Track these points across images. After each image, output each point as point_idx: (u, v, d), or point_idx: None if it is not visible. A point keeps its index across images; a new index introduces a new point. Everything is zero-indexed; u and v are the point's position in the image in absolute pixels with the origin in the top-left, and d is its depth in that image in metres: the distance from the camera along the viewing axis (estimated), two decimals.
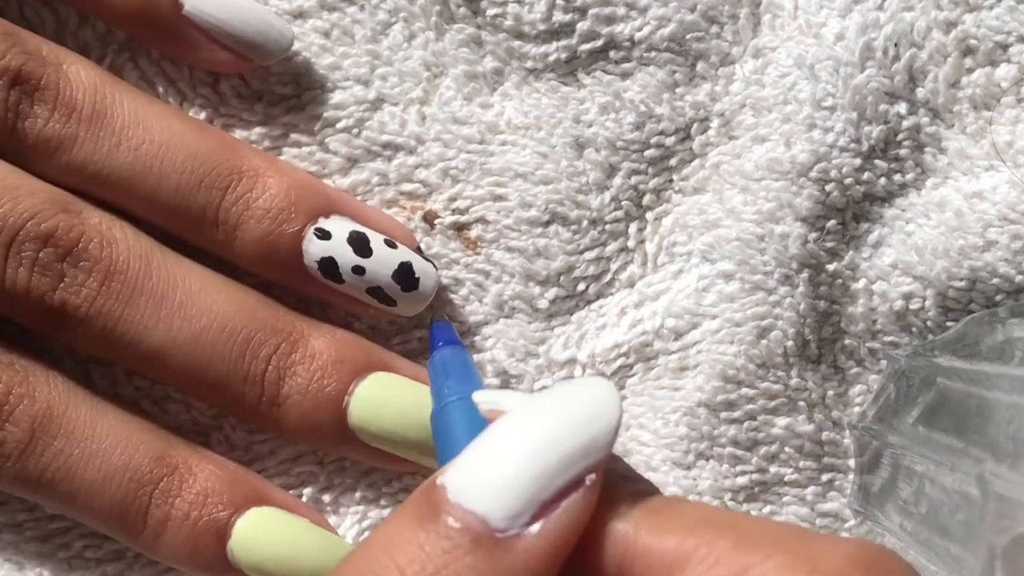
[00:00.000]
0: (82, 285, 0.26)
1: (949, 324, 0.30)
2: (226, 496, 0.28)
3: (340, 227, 0.28)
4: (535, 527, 0.19)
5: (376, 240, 0.28)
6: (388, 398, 0.28)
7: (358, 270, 0.28)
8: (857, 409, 0.31)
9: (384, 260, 0.28)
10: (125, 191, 0.27)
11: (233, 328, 0.27)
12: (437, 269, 0.29)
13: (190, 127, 0.28)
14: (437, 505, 0.19)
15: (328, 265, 0.28)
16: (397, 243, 0.29)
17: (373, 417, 0.28)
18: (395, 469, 0.30)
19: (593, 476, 0.19)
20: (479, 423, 0.22)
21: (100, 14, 0.29)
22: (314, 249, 0.28)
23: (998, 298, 0.30)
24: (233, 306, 0.28)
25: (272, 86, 0.30)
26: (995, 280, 0.30)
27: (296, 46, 0.30)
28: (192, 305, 0.27)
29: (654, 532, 0.20)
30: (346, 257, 0.28)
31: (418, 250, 0.30)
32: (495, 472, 0.19)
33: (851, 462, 0.31)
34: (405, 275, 0.28)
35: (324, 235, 0.28)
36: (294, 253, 0.28)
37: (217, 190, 0.28)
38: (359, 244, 0.28)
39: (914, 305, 0.30)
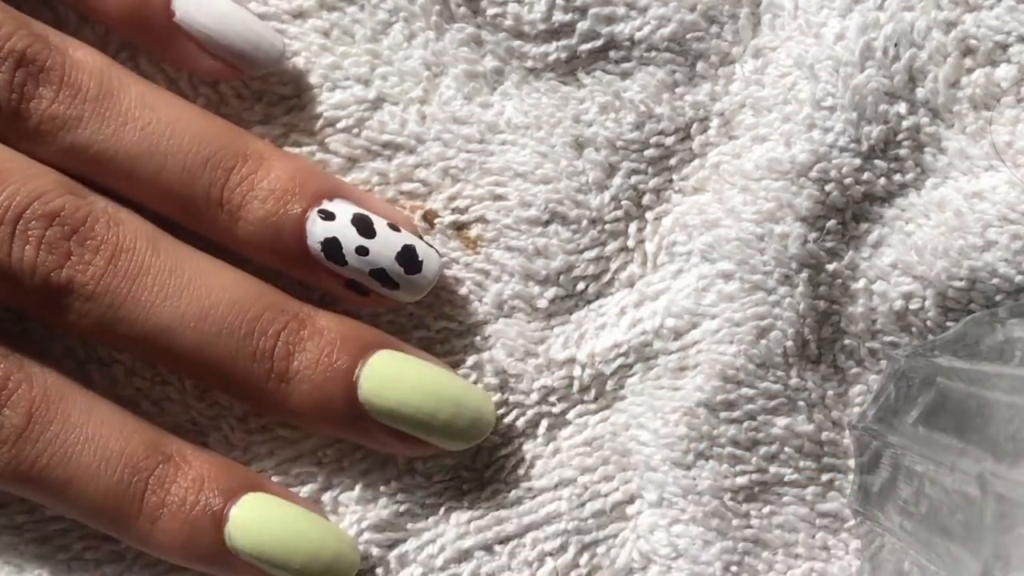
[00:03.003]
0: (89, 263, 0.26)
1: (949, 324, 0.30)
2: (222, 483, 0.28)
3: (344, 209, 0.28)
4: None
5: (379, 222, 0.28)
6: (400, 371, 0.28)
7: (362, 250, 0.28)
8: (857, 409, 0.31)
9: (388, 241, 0.28)
10: (129, 171, 0.27)
11: (242, 306, 0.27)
12: (440, 256, 0.29)
13: (196, 112, 0.28)
14: None
15: (332, 246, 0.28)
16: (400, 227, 0.29)
17: (385, 389, 0.28)
18: (406, 453, 0.30)
19: None
20: None
21: (93, 16, 0.29)
22: (318, 230, 0.28)
23: (998, 298, 0.30)
24: (241, 287, 0.28)
25: (272, 86, 0.30)
26: (995, 280, 0.30)
27: (296, 46, 0.30)
28: (201, 283, 0.27)
29: None
30: (350, 237, 0.28)
31: (420, 238, 0.29)
32: None
33: (851, 462, 0.31)
34: (408, 257, 0.28)
35: (328, 216, 0.28)
36: (298, 234, 0.28)
37: (222, 170, 0.28)
38: (363, 225, 0.28)
39: (914, 305, 0.30)
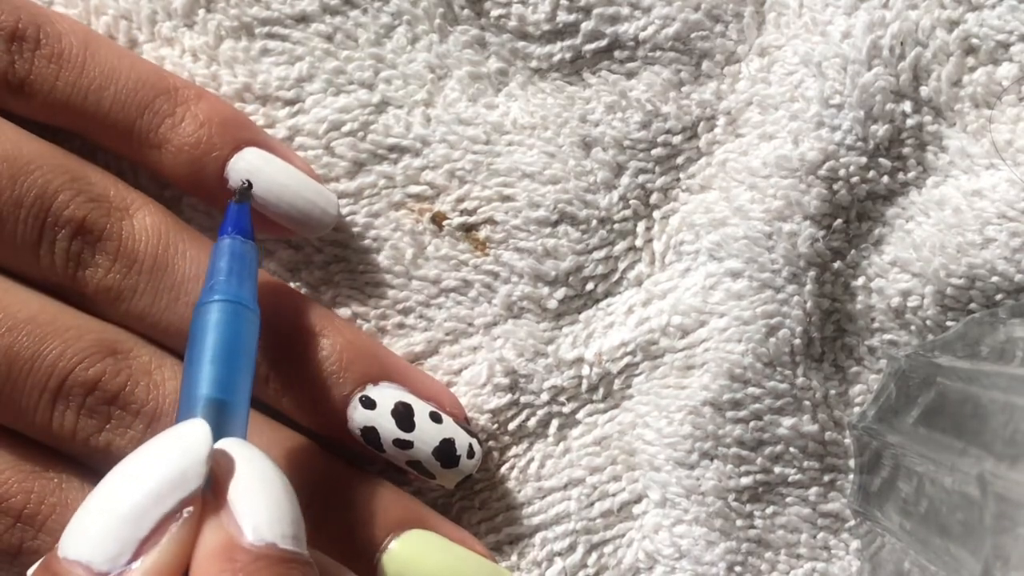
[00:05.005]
0: (128, 427, 0.26)
1: (949, 323, 0.30)
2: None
3: (386, 396, 0.28)
4: (135, 564, 0.20)
5: (421, 412, 0.28)
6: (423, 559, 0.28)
7: (399, 443, 0.28)
8: (857, 409, 0.31)
9: (426, 435, 0.28)
10: (182, 345, 0.26)
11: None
12: (481, 445, 0.29)
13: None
14: (50, 565, 0.20)
15: (370, 434, 0.28)
16: (443, 415, 0.29)
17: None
18: None
19: (190, 508, 0.21)
20: (228, 331, 0.24)
21: (151, 171, 0.28)
22: (358, 417, 0.28)
23: (998, 297, 0.30)
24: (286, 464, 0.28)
25: (276, 91, 0.30)
26: (994, 278, 0.30)
27: (299, 50, 0.29)
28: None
29: None
30: (388, 429, 0.28)
31: (466, 419, 0.30)
32: (93, 520, 0.20)
33: (851, 462, 0.31)
34: (446, 452, 0.28)
35: (369, 404, 0.28)
36: (340, 420, 0.28)
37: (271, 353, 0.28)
38: (402, 417, 0.28)
39: (912, 302, 0.31)
